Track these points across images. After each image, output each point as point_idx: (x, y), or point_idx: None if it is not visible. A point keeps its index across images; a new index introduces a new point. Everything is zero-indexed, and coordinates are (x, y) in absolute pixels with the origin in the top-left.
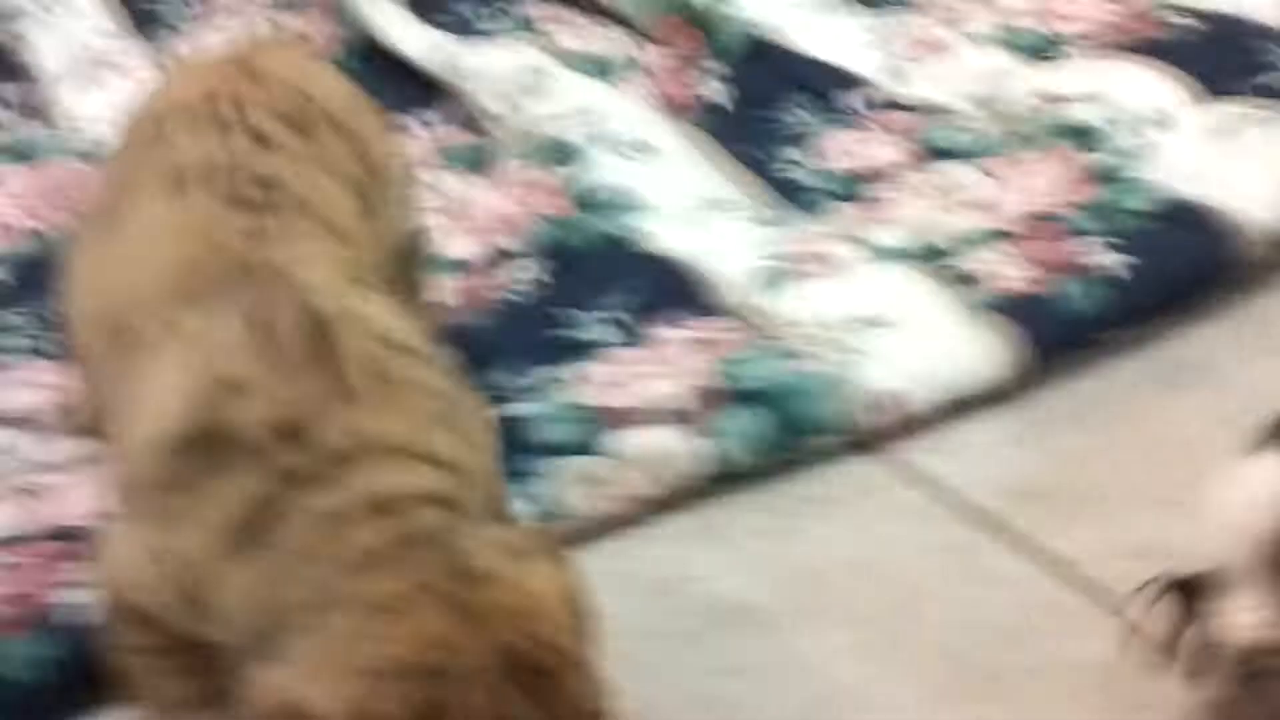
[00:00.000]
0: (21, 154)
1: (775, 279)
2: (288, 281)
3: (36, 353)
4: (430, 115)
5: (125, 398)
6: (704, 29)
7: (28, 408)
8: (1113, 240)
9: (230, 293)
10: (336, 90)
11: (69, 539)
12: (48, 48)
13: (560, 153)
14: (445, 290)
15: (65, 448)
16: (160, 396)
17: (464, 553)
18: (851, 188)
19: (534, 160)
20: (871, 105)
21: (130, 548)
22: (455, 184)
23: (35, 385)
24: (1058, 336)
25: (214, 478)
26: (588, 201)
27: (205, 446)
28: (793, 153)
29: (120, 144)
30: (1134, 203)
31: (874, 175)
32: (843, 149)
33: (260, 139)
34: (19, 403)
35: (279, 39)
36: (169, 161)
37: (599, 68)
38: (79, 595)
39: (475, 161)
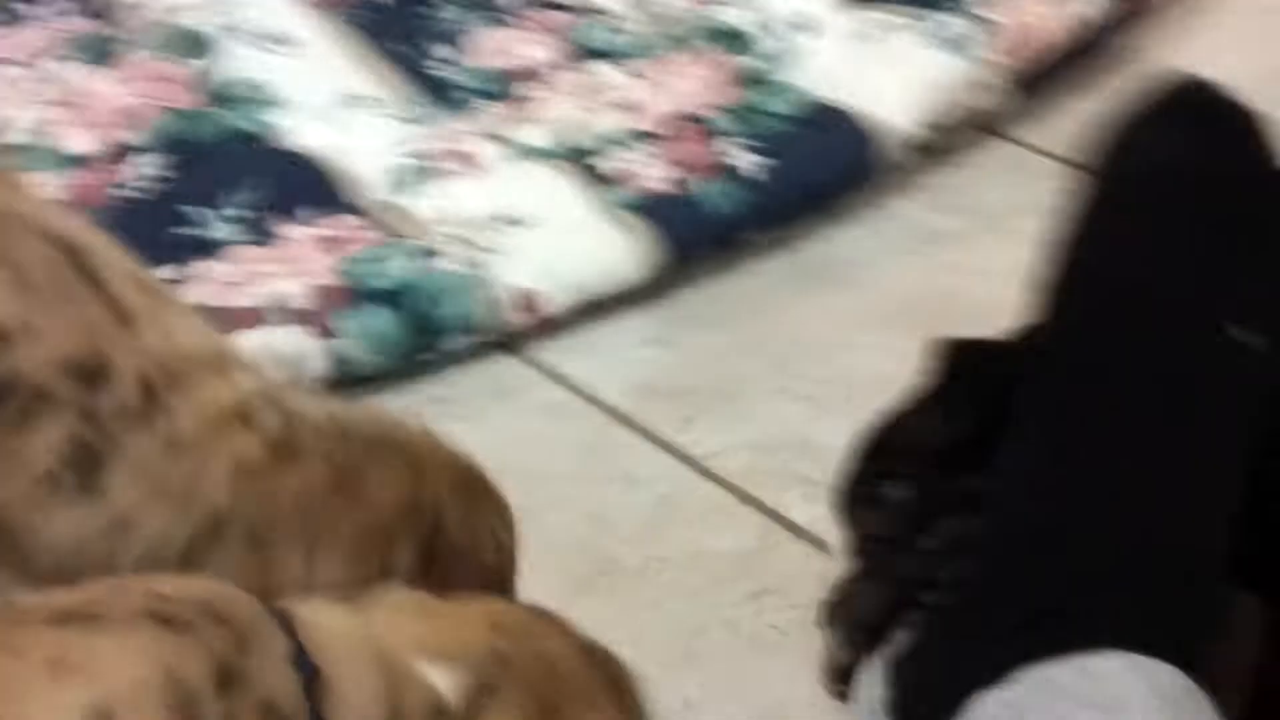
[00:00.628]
0: None
1: (413, 177)
2: (18, 216)
3: None
4: (54, 3)
5: None
6: None
7: None
8: (753, 142)
9: None
10: None
11: None
12: None
13: (193, 44)
14: (57, 187)
15: None
16: None
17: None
18: (502, 86)
19: (165, 52)
20: (528, 3)
21: None
22: (76, 75)
23: None
24: (696, 236)
25: (14, 433)
26: (221, 95)
27: None
28: (445, 50)
29: None
30: (777, 106)
31: (525, 74)
32: (496, 47)
33: None
34: None
35: None
36: None
37: None
38: None
39: (100, 53)
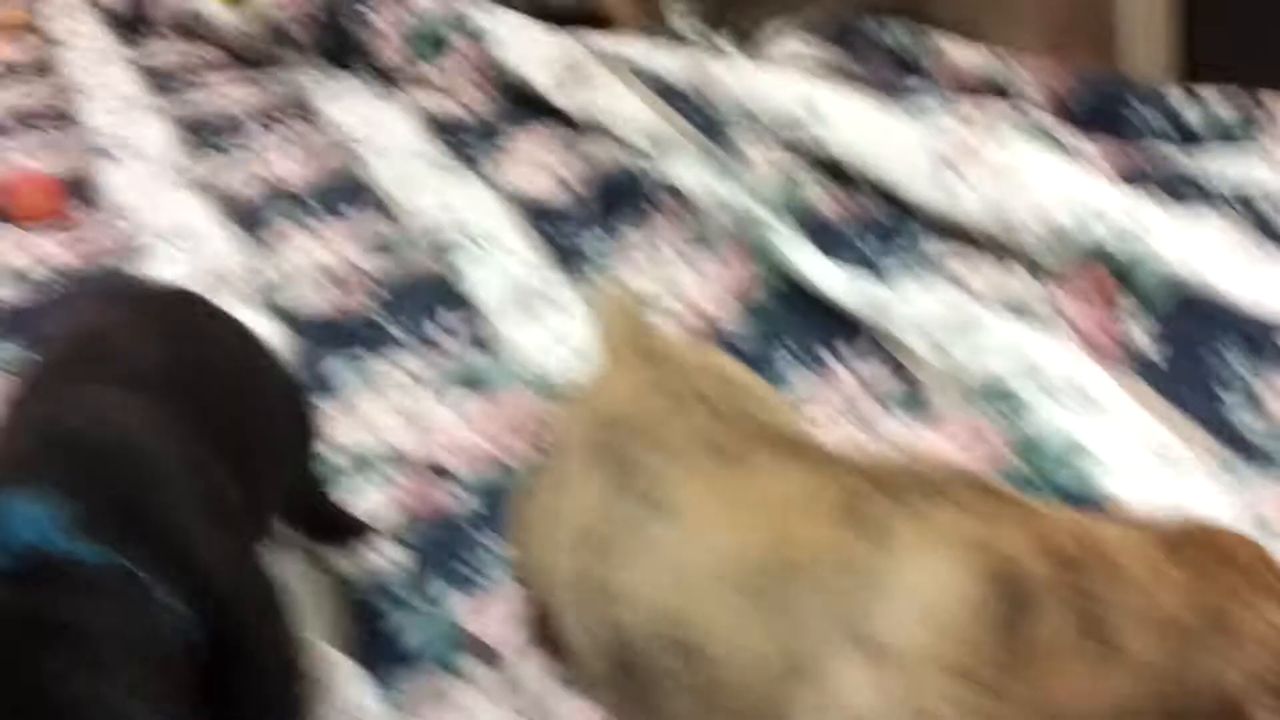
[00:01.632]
0: (473, 381)
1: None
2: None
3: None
4: (848, 354)
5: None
6: (1121, 277)
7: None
8: None
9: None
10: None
11: None
12: (482, 280)
13: (997, 397)
14: None
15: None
16: (930, 579)
17: None
18: None
19: (969, 404)
20: None
21: None
22: (895, 427)
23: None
24: None
25: (1029, 617)
26: (1032, 450)
27: (1008, 595)
28: (1235, 405)
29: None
30: None
31: None
32: None
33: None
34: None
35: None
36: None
37: (1015, 310)
38: None
39: (910, 404)
